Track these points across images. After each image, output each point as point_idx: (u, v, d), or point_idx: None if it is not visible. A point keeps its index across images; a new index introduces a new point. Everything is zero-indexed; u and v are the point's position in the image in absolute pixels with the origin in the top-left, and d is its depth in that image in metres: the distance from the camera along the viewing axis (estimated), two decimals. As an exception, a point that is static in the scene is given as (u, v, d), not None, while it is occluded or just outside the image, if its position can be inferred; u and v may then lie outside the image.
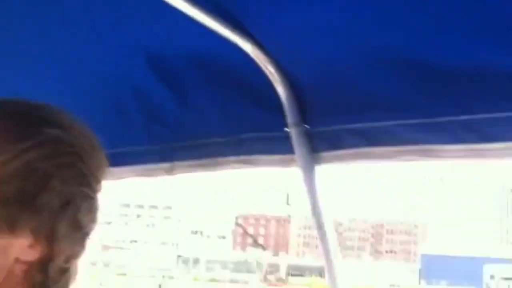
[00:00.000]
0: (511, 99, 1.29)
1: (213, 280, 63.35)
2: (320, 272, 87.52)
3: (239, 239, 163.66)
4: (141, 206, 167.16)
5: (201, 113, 1.87)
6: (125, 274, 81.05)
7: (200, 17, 1.53)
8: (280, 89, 1.66)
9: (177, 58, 1.78)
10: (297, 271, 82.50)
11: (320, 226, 1.77)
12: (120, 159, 1.94)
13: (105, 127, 1.64)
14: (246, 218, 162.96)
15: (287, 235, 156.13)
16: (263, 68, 1.64)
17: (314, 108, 1.67)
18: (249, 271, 73.76)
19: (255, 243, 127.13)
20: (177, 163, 1.96)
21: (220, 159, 1.88)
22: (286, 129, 1.69)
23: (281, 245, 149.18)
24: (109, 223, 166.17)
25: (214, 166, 1.91)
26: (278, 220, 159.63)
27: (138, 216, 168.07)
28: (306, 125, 1.67)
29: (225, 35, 1.58)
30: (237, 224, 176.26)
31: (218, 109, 1.84)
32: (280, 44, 1.61)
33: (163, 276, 73.70)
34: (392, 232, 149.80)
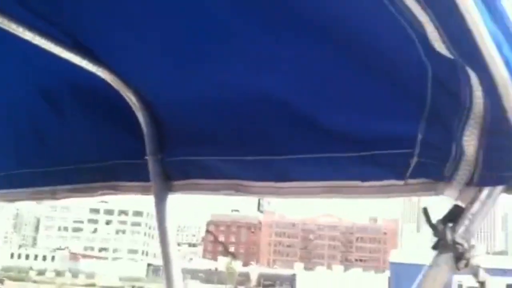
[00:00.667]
0: (307, 143, 1.39)
1: (184, 290, 62.89)
2: (291, 282, 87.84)
3: (209, 247, 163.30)
4: (110, 212, 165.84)
5: (78, 139, 1.95)
6: (94, 285, 79.93)
7: (65, 54, 1.62)
8: (141, 118, 1.75)
9: (61, 88, 1.85)
10: (268, 281, 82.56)
11: (166, 255, 1.77)
12: (11, 182, 2.09)
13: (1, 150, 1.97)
14: (217, 225, 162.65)
15: (258, 243, 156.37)
16: (125, 97, 1.72)
17: (170, 138, 1.74)
18: (220, 281, 73.49)
19: (226, 252, 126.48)
20: (59, 187, 2.03)
21: (92, 185, 1.95)
22: (146, 157, 1.76)
23: (252, 254, 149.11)
24: (78, 230, 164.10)
25: (88, 191, 1.97)
26: (249, 227, 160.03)
27: (108, 223, 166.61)
28: (161, 155, 1.74)
29: (88, 68, 1.66)
30: (208, 232, 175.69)
31: (90, 136, 1.92)
32: (139, 74, 1.68)
33: (133, 286, 72.97)
34: (362, 239, 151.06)
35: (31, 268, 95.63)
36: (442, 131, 1.12)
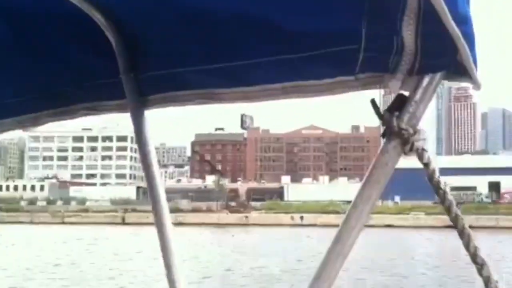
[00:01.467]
0: (263, 47, 1.47)
1: (175, 209, 63.88)
2: (279, 194, 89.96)
3: (196, 166, 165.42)
4: (94, 139, 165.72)
5: (50, 64, 1.96)
6: (87, 210, 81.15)
7: None
8: (110, 37, 1.77)
9: (28, 12, 1.84)
10: (257, 195, 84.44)
11: (147, 166, 1.81)
12: None
13: None
14: (202, 144, 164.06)
15: (244, 159, 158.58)
16: (92, 16, 1.73)
17: (141, 55, 1.77)
18: (210, 199, 74.92)
19: (213, 170, 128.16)
20: (41, 113, 2.07)
21: (72, 107, 1.99)
22: (120, 76, 1.79)
23: (239, 170, 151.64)
24: (64, 158, 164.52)
25: (69, 113, 2.01)
26: (235, 145, 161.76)
27: (93, 149, 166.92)
28: (134, 72, 1.77)
29: None
30: (194, 151, 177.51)
31: (64, 60, 1.93)
32: None
33: (126, 209, 74.14)
34: (345, 149, 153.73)
35: (22, 198, 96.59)
36: (383, 24, 1.19)
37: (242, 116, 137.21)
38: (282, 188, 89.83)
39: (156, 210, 1.77)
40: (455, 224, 1.17)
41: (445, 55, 1.14)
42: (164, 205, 1.77)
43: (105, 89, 1.89)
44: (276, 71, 1.50)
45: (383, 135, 1.22)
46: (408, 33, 1.14)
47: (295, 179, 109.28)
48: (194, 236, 41.82)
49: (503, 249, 31.66)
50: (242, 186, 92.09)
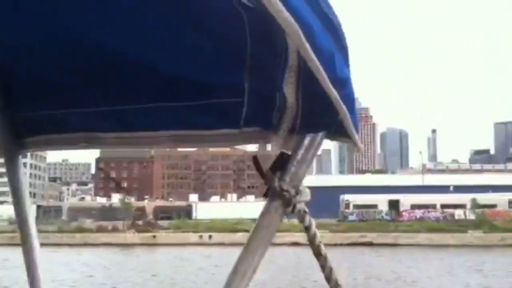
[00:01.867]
0: (146, 93, 1.43)
1: (78, 230, 61.32)
2: (187, 213, 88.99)
3: (101, 184, 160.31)
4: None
5: None
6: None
7: None
8: None
9: None
10: (164, 213, 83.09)
11: (20, 213, 1.70)
12: None
13: None
14: (107, 161, 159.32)
15: (151, 177, 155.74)
16: None
17: (16, 94, 1.66)
18: (115, 217, 72.77)
19: (119, 188, 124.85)
20: None
21: None
22: None
23: (146, 188, 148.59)
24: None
25: None
26: (141, 162, 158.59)
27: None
28: (9, 110, 1.67)
29: None
30: (98, 169, 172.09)
31: None
32: None
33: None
34: (252, 167, 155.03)
35: None
36: (265, 80, 1.17)
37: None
38: (190, 206, 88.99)
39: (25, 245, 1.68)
40: (314, 249, 1.17)
41: (326, 115, 1.11)
42: (34, 238, 1.69)
43: None
44: (160, 118, 1.44)
45: (265, 195, 1.18)
46: (289, 91, 1.12)
47: (203, 198, 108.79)
48: (96, 258, 40.43)
49: (400, 267, 32.96)
50: (149, 205, 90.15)
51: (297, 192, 1.15)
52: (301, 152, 1.17)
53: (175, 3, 1.25)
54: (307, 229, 1.16)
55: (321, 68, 0.98)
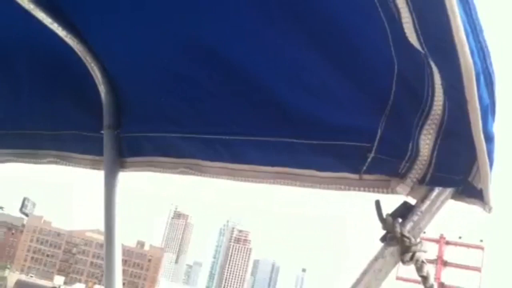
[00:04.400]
0: (267, 125, 1.38)
1: None
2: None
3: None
4: None
5: (35, 105, 1.90)
6: None
7: (38, 14, 1.58)
8: (102, 91, 1.72)
9: (22, 50, 1.82)
10: (25, 289, 77.86)
11: (109, 234, 1.70)
12: None
13: None
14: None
15: (16, 246, 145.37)
16: (90, 68, 1.70)
17: (128, 114, 1.72)
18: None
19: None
20: (7, 151, 2.01)
21: (41, 152, 1.93)
22: (102, 131, 1.74)
23: (7, 257, 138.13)
24: None
25: (34, 157, 1.95)
26: (10, 228, 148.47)
27: None
28: (117, 130, 1.72)
29: (58, 34, 1.63)
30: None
31: (48, 104, 1.88)
32: (107, 47, 1.66)
33: None
34: (126, 263, 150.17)
35: None
36: (401, 128, 1.15)
37: (24, 199, 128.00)
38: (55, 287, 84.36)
39: None
40: None
41: (459, 172, 1.08)
42: None
43: (83, 141, 1.81)
44: (274, 153, 1.39)
45: (382, 240, 1.13)
46: (426, 142, 1.09)
47: (67, 281, 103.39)
48: None
49: None
50: (11, 276, 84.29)
51: (417, 241, 1.11)
52: (427, 203, 1.13)
53: (322, 42, 1.23)
54: (424, 279, 1.13)
55: (479, 116, 0.95)
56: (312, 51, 1.26)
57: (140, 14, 1.47)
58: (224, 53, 1.39)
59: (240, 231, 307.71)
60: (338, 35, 1.20)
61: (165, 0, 1.40)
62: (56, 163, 1.91)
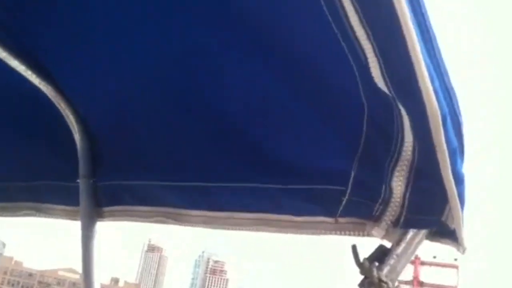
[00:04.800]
0: (243, 171, 1.38)
1: None
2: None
3: None
4: None
5: (7, 155, 1.87)
6: None
7: (11, 62, 1.55)
8: (77, 139, 1.68)
9: None
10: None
11: (86, 278, 1.68)
12: None
13: None
14: None
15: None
16: (65, 116, 1.66)
17: (103, 162, 1.68)
18: None
19: None
20: None
21: (17, 204, 1.89)
22: (77, 180, 1.70)
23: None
24: None
25: (11, 210, 1.91)
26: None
27: None
28: (93, 179, 1.69)
29: (32, 81, 1.60)
30: None
31: (21, 153, 1.84)
32: (81, 94, 1.61)
33: None
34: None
35: None
36: (374, 170, 1.15)
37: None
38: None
39: None
40: None
41: (432, 213, 1.09)
42: None
43: (58, 192, 1.78)
44: (250, 200, 1.39)
45: (361, 285, 1.12)
46: (398, 184, 1.10)
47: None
48: None
49: None
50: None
51: (394, 286, 1.11)
52: (402, 245, 1.13)
53: (294, 84, 1.23)
54: None
55: (447, 159, 0.96)
56: (285, 93, 1.26)
57: (115, 62, 1.45)
58: (197, 97, 1.37)
59: (216, 261, 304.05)
60: (309, 77, 1.20)
61: (139, 48, 1.38)
62: (32, 215, 1.90)
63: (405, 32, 0.83)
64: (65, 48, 1.49)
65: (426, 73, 0.87)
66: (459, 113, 0.97)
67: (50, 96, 1.62)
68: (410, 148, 1.06)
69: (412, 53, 0.84)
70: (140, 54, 1.38)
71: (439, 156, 0.95)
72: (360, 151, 1.18)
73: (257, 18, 1.17)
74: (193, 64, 1.32)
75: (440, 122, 0.91)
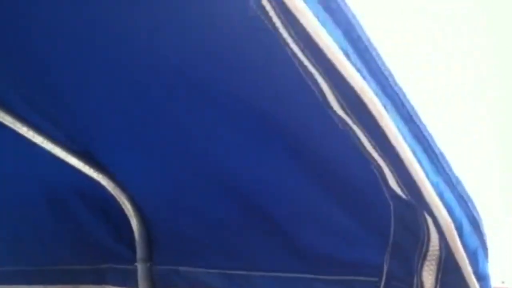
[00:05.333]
0: (282, 261, 1.43)
1: None
2: None
3: None
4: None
5: (72, 241, 1.96)
6: None
7: (71, 160, 1.66)
8: (134, 225, 1.77)
9: (62, 191, 1.90)
10: None
11: None
12: (7, 277, 2.08)
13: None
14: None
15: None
16: (121, 203, 1.76)
17: (159, 247, 1.76)
18: None
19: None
20: (49, 286, 2.04)
21: (81, 286, 1.97)
22: (135, 263, 1.79)
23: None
24: None
25: None
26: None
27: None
28: (150, 262, 1.77)
29: (89, 173, 1.71)
30: None
31: (84, 239, 1.94)
32: (136, 183, 1.72)
33: None
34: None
35: None
36: (404, 263, 1.17)
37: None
38: None
39: None
40: None
41: None
42: None
43: (120, 274, 1.87)
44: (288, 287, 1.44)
45: None
46: (428, 278, 1.12)
47: None
48: None
49: None
50: None
51: None
52: None
53: (326, 180, 1.28)
54: None
55: (467, 262, 1.00)
56: (323, 193, 1.32)
57: (168, 152, 1.54)
58: (241, 187, 1.44)
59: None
60: (338, 178, 1.26)
61: (191, 138, 1.45)
62: None
63: (407, 164, 0.88)
64: (121, 143, 1.57)
65: (432, 191, 0.91)
66: (477, 214, 1.01)
67: (107, 187, 1.74)
68: (437, 245, 1.09)
69: (415, 177, 0.89)
70: (193, 147, 1.44)
71: (458, 259, 1.00)
72: (391, 244, 1.21)
73: (290, 126, 1.24)
74: (239, 159, 1.39)
75: (454, 232, 0.96)
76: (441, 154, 0.95)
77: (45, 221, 1.96)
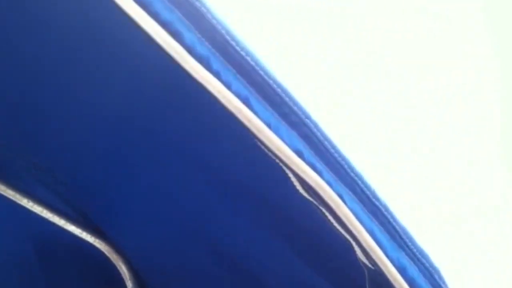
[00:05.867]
0: None
1: None
2: None
3: None
4: None
5: None
6: None
7: (69, 227, 1.59)
8: (129, 287, 1.76)
9: (55, 250, 1.79)
10: None
11: None
12: None
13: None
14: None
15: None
16: (117, 266, 1.73)
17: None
18: None
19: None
20: None
21: None
22: None
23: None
24: None
25: None
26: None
27: None
28: None
29: (86, 239, 1.69)
30: None
31: None
32: (132, 246, 1.67)
33: None
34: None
35: None
36: None
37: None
38: None
39: None
40: None
41: None
42: None
43: None
44: None
45: None
46: None
47: None
48: None
49: None
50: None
51: None
52: None
53: (295, 244, 1.30)
54: None
55: None
56: (304, 262, 1.33)
57: (165, 218, 1.58)
58: (237, 259, 1.48)
59: None
60: (319, 244, 1.24)
61: (189, 209, 1.50)
62: None
63: (365, 246, 0.91)
64: (116, 209, 1.64)
65: (391, 266, 0.93)
66: (445, 285, 0.99)
67: (104, 251, 1.79)
68: None
69: (374, 256, 0.91)
70: (193, 218, 1.49)
71: None
72: None
73: (277, 204, 1.22)
74: (228, 241, 1.45)
75: None
76: (403, 230, 0.96)
77: (37, 279, 1.89)
